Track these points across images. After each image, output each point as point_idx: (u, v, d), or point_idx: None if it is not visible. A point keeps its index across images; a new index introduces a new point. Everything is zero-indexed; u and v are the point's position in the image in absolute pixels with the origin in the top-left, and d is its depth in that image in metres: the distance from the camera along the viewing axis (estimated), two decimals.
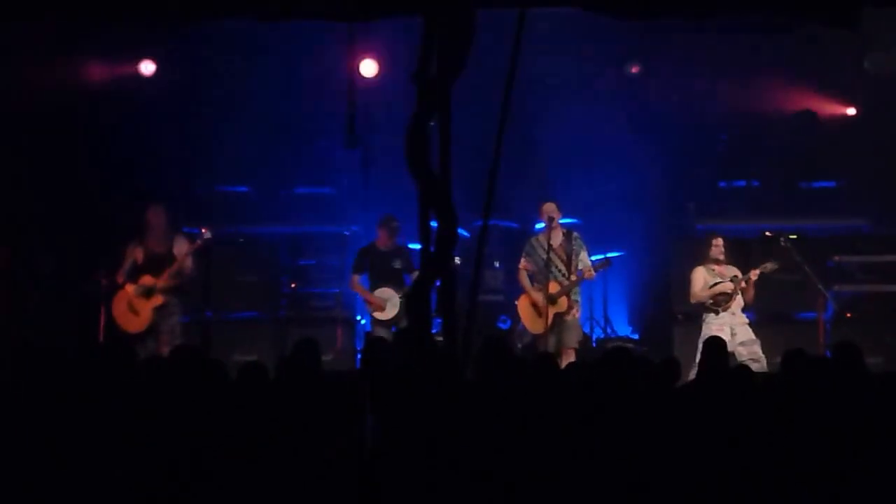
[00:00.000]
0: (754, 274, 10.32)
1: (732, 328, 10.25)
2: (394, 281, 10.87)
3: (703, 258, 10.59)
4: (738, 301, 10.37)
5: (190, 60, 11.98)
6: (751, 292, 10.39)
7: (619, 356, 6.34)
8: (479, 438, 5.51)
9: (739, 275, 10.40)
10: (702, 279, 10.50)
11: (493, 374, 6.17)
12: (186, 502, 5.41)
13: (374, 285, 10.98)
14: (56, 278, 11.71)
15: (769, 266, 10.34)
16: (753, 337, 10.25)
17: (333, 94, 11.05)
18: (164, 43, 11.71)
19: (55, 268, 11.79)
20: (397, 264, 10.91)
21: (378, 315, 10.90)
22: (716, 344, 7.38)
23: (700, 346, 10.05)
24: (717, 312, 10.34)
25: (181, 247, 10.56)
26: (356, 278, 11.10)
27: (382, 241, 11.01)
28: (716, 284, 10.40)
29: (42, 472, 5.41)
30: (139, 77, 12.14)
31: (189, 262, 10.51)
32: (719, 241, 10.56)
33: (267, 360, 9.71)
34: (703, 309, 10.48)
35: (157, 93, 12.16)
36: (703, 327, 10.34)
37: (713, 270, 10.50)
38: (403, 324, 10.18)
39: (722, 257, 10.53)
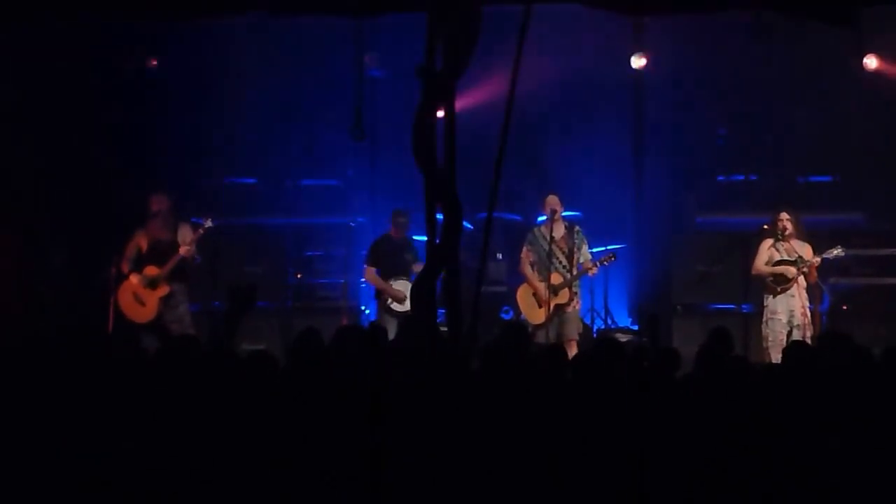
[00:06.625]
0: (817, 260, 10.22)
1: (792, 311, 10.19)
2: (406, 274, 10.89)
3: (772, 233, 10.41)
4: (802, 282, 10.22)
5: (198, 53, 12.04)
6: (814, 275, 10.28)
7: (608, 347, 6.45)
8: (485, 428, 5.54)
9: (809, 253, 10.26)
10: (766, 254, 10.36)
11: (507, 362, 6.22)
12: (190, 494, 5.43)
13: (387, 278, 10.99)
14: (67, 269, 11.82)
15: (834, 252, 10.30)
16: (807, 322, 10.18)
17: (340, 86, 11.15)
18: (173, 36, 11.78)
19: (66, 259, 11.89)
20: (408, 257, 10.94)
21: (397, 307, 10.92)
22: (721, 334, 7.41)
23: (764, 330, 10.20)
24: (774, 294, 10.24)
25: (185, 235, 10.63)
26: (371, 270, 11.10)
27: (395, 233, 11.08)
28: (779, 263, 10.29)
29: (47, 464, 5.43)
30: (148, 69, 12.19)
31: (193, 250, 10.61)
32: (783, 217, 10.35)
33: (274, 350, 9.87)
34: (762, 288, 10.39)
35: (165, 85, 12.21)
36: (765, 311, 10.28)
37: (782, 246, 10.34)
38: None
39: (789, 232, 10.32)
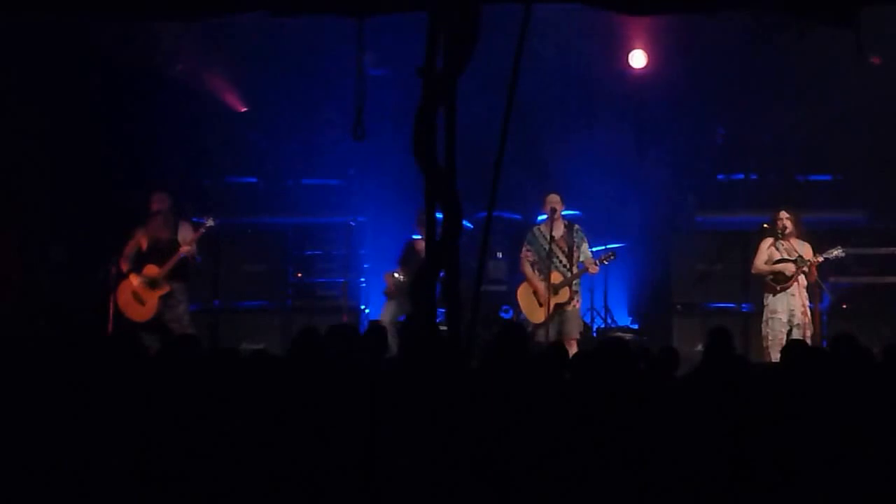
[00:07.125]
0: (817, 259, 10.24)
1: (792, 311, 10.20)
2: None
3: (772, 232, 10.42)
4: (802, 281, 10.24)
5: (198, 53, 12.07)
6: (814, 274, 10.28)
7: (615, 347, 6.44)
8: (483, 426, 5.54)
9: (809, 252, 10.27)
10: (766, 253, 10.39)
11: (505, 361, 6.23)
12: (190, 493, 5.43)
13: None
14: (67, 268, 11.84)
15: (835, 252, 10.30)
16: (807, 322, 10.19)
17: (340, 86, 11.15)
18: (174, 36, 11.79)
19: (67, 258, 11.91)
20: None
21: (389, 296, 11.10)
22: (720, 334, 7.41)
23: (764, 329, 10.21)
24: (774, 293, 10.25)
25: (186, 234, 10.65)
26: (398, 270, 11.32)
27: (421, 234, 11.16)
28: (779, 262, 10.30)
29: (47, 464, 5.43)
30: (152, 69, 12.22)
31: (194, 250, 10.63)
32: (783, 216, 10.37)
33: (274, 349, 9.89)
34: (762, 286, 10.41)
35: (166, 85, 12.24)
36: (765, 310, 10.30)
37: (782, 245, 10.36)
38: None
39: (789, 231, 10.34)
